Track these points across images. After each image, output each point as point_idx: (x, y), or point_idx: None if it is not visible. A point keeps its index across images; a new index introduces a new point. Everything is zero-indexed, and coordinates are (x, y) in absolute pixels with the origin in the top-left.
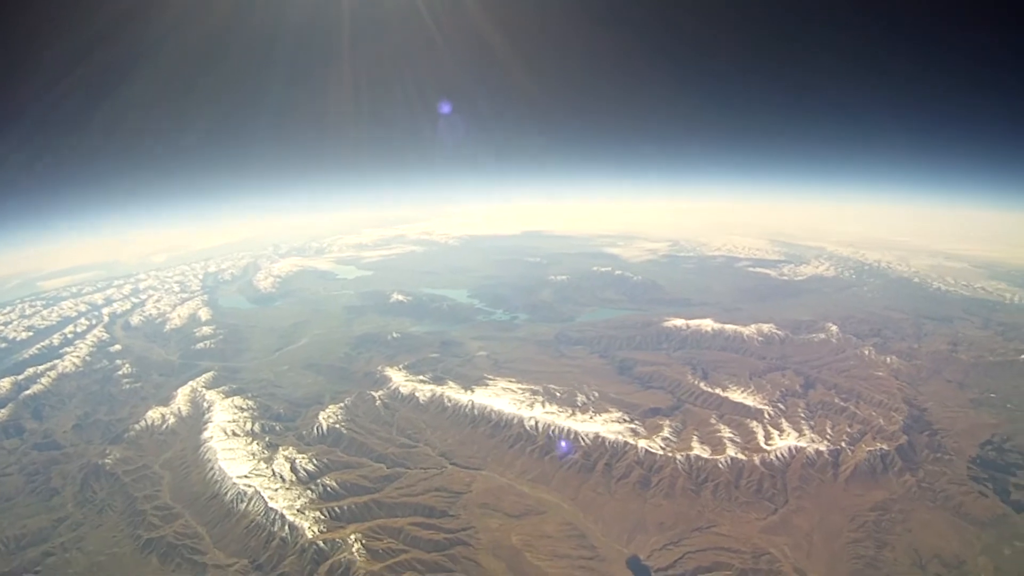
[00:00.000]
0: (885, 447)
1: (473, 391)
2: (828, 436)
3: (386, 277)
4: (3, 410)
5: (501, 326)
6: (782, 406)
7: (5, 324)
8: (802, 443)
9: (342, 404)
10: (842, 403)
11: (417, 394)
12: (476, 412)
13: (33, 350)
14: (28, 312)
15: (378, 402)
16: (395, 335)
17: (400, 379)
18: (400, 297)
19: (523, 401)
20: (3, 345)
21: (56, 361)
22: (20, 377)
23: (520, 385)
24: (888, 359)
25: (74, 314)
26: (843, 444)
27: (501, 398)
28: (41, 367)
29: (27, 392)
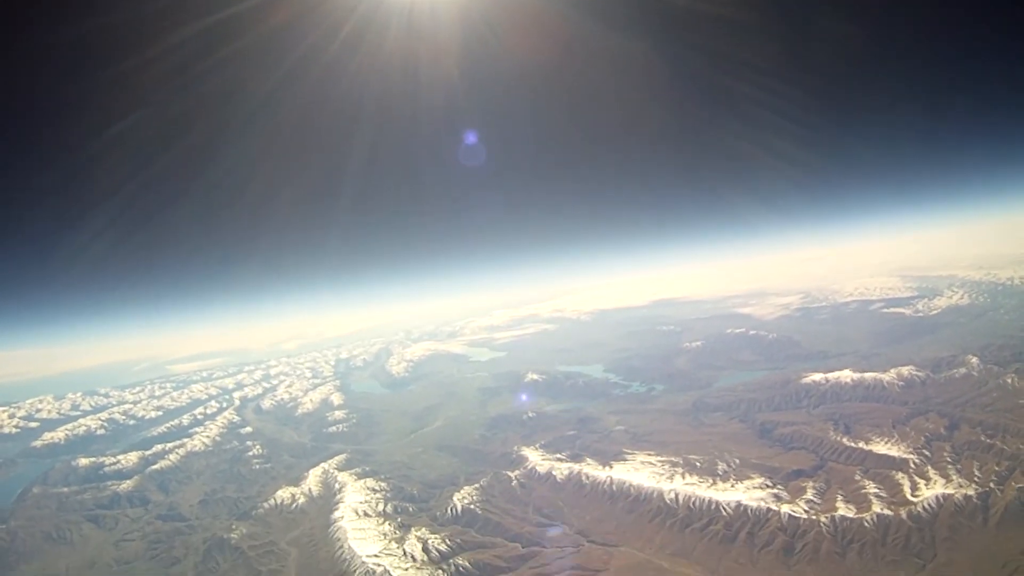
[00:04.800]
0: None
1: (611, 467)
2: (976, 478)
3: (519, 357)
4: (129, 482)
5: (638, 399)
6: (927, 452)
7: (135, 403)
8: (949, 490)
9: (477, 485)
10: (988, 440)
11: (554, 472)
12: (615, 488)
13: (162, 428)
14: (158, 393)
15: (514, 482)
16: (530, 414)
17: (536, 458)
18: (534, 376)
19: (663, 474)
20: (132, 422)
21: (185, 440)
22: (148, 452)
23: (659, 458)
24: None
25: (204, 397)
26: (991, 485)
27: (640, 472)
28: (170, 444)
29: (154, 467)
